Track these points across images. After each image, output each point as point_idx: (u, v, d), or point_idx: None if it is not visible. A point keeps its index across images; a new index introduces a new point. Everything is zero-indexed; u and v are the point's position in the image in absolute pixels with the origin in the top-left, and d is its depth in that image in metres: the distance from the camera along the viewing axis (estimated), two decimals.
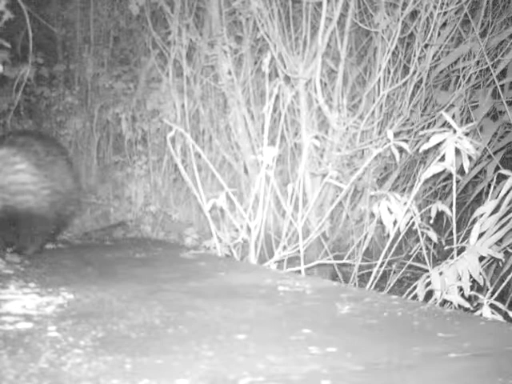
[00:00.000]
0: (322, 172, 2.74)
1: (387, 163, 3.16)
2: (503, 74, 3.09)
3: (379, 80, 2.85)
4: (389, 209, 2.06)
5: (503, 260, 2.08)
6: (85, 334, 1.23)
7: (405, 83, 2.90)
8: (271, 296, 1.66)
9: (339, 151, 2.83)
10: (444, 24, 2.94)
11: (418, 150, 2.61)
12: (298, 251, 2.32)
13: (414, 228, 2.11)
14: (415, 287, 2.05)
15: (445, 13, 2.84)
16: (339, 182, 2.50)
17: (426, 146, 1.95)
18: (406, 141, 2.73)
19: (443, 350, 1.15)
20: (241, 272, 2.08)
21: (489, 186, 2.34)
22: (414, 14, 2.86)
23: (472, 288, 1.94)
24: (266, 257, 2.55)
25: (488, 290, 2.02)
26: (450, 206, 2.02)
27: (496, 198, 2.05)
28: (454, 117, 2.98)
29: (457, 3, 2.83)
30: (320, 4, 2.76)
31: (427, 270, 2.05)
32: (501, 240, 2.10)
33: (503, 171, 2.08)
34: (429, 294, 2.01)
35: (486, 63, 2.93)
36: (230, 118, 3.16)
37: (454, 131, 1.92)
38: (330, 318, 1.41)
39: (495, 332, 1.32)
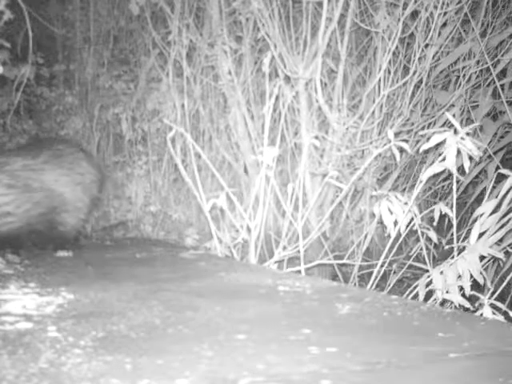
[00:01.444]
0: (322, 172, 2.74)
1: (387, 163, 3.16)
2: (503, 73, 3.09)
3: (379, 80, 2.85)
4: (389, 209, 2.06)
5: (504, 260, 2.08)
6: (85, 334, 1.23)
7: (405, 83, 2.90)
8: (271, 296, 1.66)
9: (339, 151, 2.83)
10: (444, 24, 2.94)
11: (418, 150, 2.61)
12: (298, 251, 2.32)
13: (415, 228, 2.11)
14: (415, 287, 2.06)
15: (445, 13, 2.84)
16: (339, 182, 2.50)
17: (426, 146, 1.95)
18: (407, 141, 2.73)
19: (443, 349, 1.15)
20: (241, 272, 2.08)
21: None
22: (414, 14, 2.86)
23: (472, 288, 1.94)
24: (266, 257, 2.55)
25: (489, 289, 2.02)
26: (451, 207, 2.02)
27: (496, 197, 2.05)
28: (454, 117, 2.98)
29: (457, 3, 2.83)
30: (320, 4, 2.76)
31: (427, 271, 2.05)
32: (501, 240, 2.10)
33: (503, 171, 2.08)
34: (428, 294, 2.01)
35: (486, 63, 2.93)
36: (230, 117, 3.16)
37: (455, 131, 1.92)
38: (329, 318, 1.41)
39: (495, 332, 1.32)
